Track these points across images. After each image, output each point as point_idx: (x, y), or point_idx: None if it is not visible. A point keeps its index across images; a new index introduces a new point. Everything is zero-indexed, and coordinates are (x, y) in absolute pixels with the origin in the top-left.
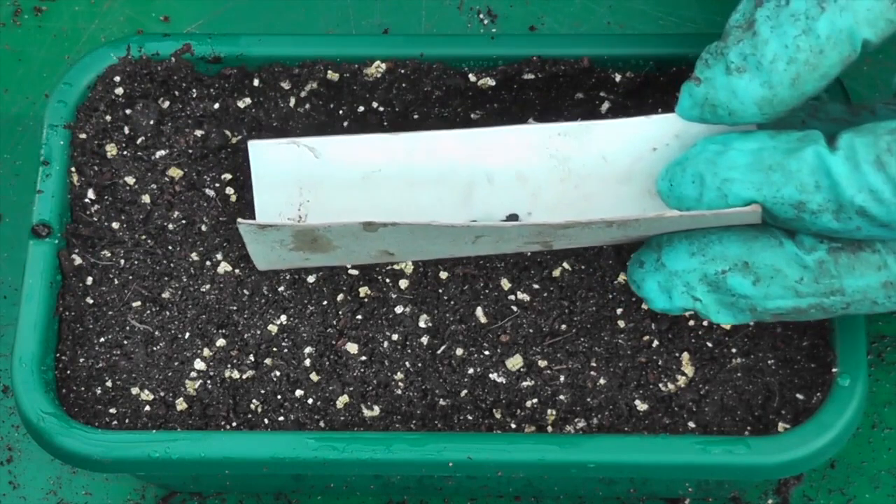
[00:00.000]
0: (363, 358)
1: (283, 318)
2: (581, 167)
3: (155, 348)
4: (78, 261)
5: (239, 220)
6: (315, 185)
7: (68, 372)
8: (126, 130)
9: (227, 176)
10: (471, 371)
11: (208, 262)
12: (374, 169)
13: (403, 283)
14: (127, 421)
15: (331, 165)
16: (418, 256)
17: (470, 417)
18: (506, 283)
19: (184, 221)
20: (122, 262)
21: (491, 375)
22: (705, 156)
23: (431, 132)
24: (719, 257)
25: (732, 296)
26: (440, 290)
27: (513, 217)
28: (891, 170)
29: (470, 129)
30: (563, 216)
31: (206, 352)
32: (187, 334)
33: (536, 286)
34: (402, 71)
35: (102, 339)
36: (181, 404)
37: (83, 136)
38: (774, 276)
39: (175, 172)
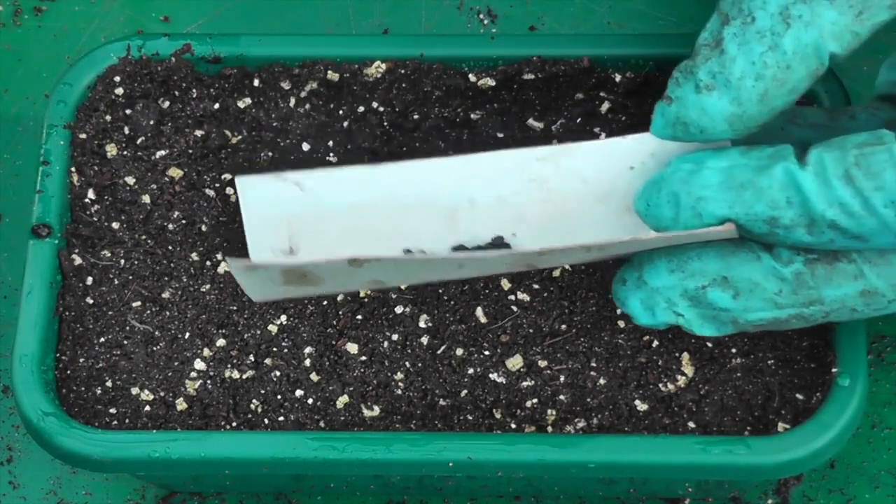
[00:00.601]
0: (363, 358)
1: (283, 318)
2: (561, 188)
3: (155, 348)
4: (78, 261)
5: (227, 258)
6: (303, 217)
7: (68, 372)
8: (126, 130)
9: (228, 176)
10: (471, 371)
11: (208, 262)
12: (359, 199)
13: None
14: (127, 421)
15: (317, 197)
16: (407, 283)
17: (470, 417)
18: (506, 284)
19: (184, 221)
20: (123, 262)
21: (491, 375)
22: (679, 175)
23: (412, 161)
24: (698, 273)
25: (714, 309)
26: (440, 291)
27: (498, 239)
28: (859, 184)
29: (450, 157)
30: (546, 236)
31: (207, 352)
32: (187, 334)
33: (536, 286)
34: (402, 71)
35: (102, 339)
36: (181, 404)
37: (83, 136)
38: (753, 289)
39: (175, 172)
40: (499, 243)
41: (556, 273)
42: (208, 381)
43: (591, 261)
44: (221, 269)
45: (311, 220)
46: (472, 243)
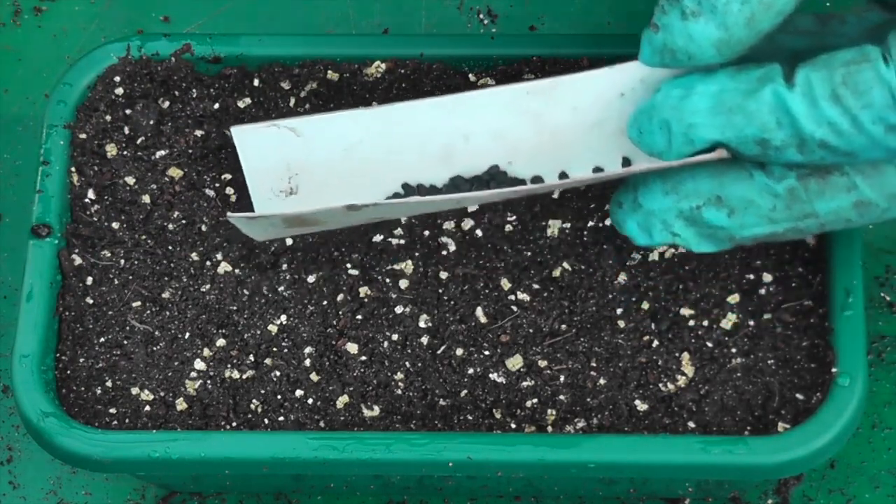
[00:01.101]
0: (363, 358)
1: (283, 318)
2: (553, 119)
3: (155, 348)
4: (78, 261)
5: (229, 213)
6: (301, 161)
7: (68, 372)
8: (126, 130)
9: (228, 176)
10: (471, 371)
11: (208, 262)
12: (355, 140)
13: (403, 283)
14: (127, 421)
15: (313, 141)
16: (406, 216)
17: (470, 417)
18: (506, 283)
19: (184, 221)
20: (122, 262)
21: (491, 375)
22: (669, 103)
23: (406, 102)
24: (692, 194)
25: (710, 228)
26: (440, 290)
27: (494, 168)
28: (847, 102)
29: (442, 96)
30: (541, 165)
31: (206, 352)
32: (187, 334)
33: (536, 286)
34: (402, 71)
35: (102, 339)
36: (181, 404)
37: (83, 135)
38: (748, 206)
39: (175, 172)
40: (495, 172)
41: (556, 273)
42: (208, 381)
43: (590, 182)
44: (221, 269)
45: (309, 162)
46: (469, 174)
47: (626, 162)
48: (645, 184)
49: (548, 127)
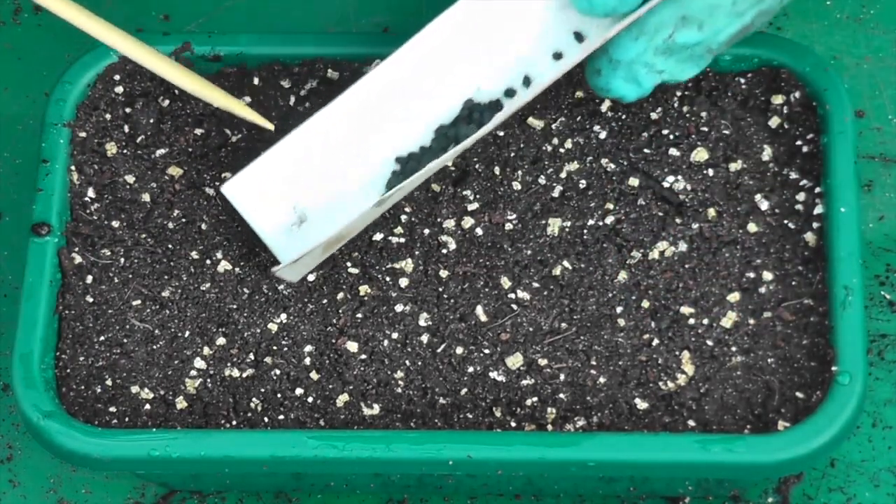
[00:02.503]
0: (363, 356)
1: (284, 316)
2: (499, 26)
3: (155, 347)
4: (78, 259)
5: (272, 270)
6: (294, 183)
7: (68, 370)
8: (126, 129)
9: (228, 174)
10: (471, 369)
11: (208, 261)
12: (333, 138)
13: (404, 282)
14: (127, 419)
15: (298, 160)
16: (419, 182)
17: (470, 416)
18: (506, 282)
19: (184, 220)
20: (122, 260)
21: (491, 374)
22: None
23: (361, 81)
24: (660, 27)
25: (687, 49)
26: (440, 289)
27: (468, 103)
28: None
29: (390, 56)
30: (508, 77)
31: (207, 350)
32: (187, 333)
33: (536, 284)
34: None
35: (102, 338)
36: (181, 403)
37: (83, 134)
38: (712, 11)
39: (175, 171)
40: (471, 106)
41: (557, 271)
42: (208, 380)
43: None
44: (221, 267)
45: (302, 180)
46: (448, 118)
47: (579, 37)
48: (613, 41)
49: (498, 36)
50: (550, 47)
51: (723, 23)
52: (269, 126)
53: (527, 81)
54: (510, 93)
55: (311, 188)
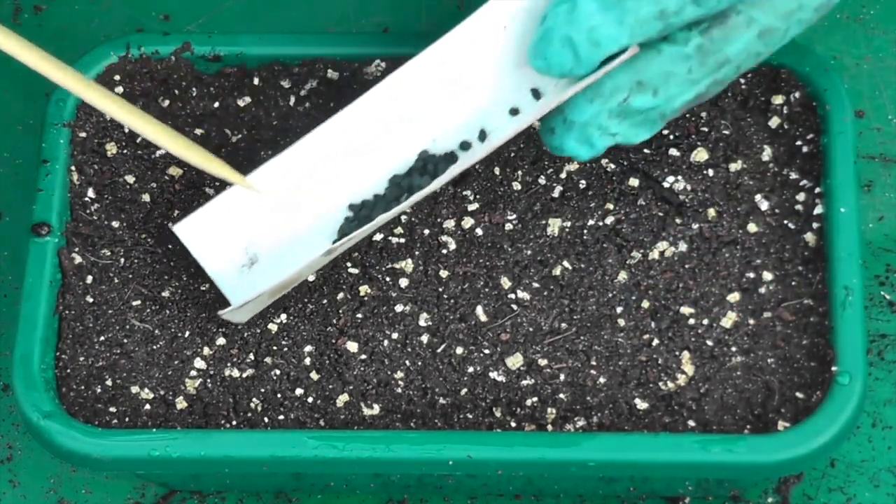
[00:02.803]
0: (363, 356)
1: (283, 316)
2: (458, 78)
3: (155, 347)
4: (78, 259)
5: (220, 312)
6: (247, 227)
7: (68, 370)
8: (126, 129)
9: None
10: (471, 369)
11: None
12: (288, 183)
13: (404, 282)
14: (127, 420)
15: (253, 203)
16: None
17: (470, 416)
18: (506, 282)
19: None
20: (122, 260)
21: (491, 374)
22: (561, 19)
23: (316, 129)
24: (615, 90)
25: (641, 113)
26: (440, 289)
27: (423, 154)
28: None
29: (343, 110)
30: (464, 130)
31: (206, 350)
32: (187, 333)
33: (536, 285)
34: None
35: (102, 338)
36: (181, 403)
37: (83, 134)
38: (668, 78)
39: (175, 171)
40: (425, 158)
41: (557, 271)
42: (208, 380)
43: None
44: None
45: (255, 223)
46: (402, 168)
47: (537, 94)
48: (569, 101)
49: (456, 89)
50: (508, 103)
51: (678, 90)
52: (247, 186)
53: (482, 136)
54: (465, 146)
55: (263, 231)
